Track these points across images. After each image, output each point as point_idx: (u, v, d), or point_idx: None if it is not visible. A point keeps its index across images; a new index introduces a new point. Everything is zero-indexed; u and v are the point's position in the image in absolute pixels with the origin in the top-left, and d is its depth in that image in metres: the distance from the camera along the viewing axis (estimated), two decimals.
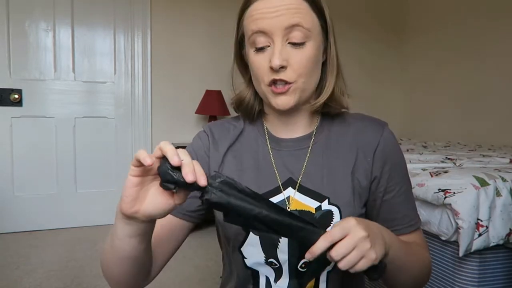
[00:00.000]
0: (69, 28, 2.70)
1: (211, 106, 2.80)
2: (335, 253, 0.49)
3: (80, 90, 2.76)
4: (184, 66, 3.02)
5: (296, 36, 0.61)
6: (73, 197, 2.77)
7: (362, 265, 0.49)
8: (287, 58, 0.62)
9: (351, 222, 0.51)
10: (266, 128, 0.74)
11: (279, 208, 0.50)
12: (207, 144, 0.74)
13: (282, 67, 0.62)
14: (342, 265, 0.49)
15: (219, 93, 2.85)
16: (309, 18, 0.62)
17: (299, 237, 0.51)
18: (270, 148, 0.72)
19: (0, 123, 2.59)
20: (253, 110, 0.74)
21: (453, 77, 3.15)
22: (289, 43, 0.62)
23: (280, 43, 0.61)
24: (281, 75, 0.62)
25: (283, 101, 0.64)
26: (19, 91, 2.60)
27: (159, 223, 0.66)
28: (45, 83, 2.67)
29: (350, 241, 0.49)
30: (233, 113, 2.74)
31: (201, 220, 0.73)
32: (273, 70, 0.62)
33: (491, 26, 2.82)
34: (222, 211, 0.49)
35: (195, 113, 2.88)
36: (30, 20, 2.61)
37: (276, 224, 0.49)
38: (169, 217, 0.68)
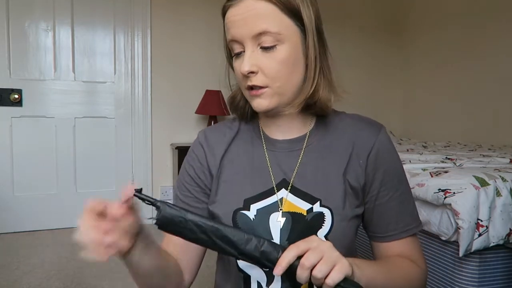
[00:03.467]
0: (69, 28, 2.70)
1: (211, 106, 2.81)
2: (306, 260, 0.48)
3: (80, 90, 2.76)
4: (184, 66, 3.02)
5: (266, 40, 0.61)
6: (73, 197, 2.77)
7: (338, 274, 0.48)
8: (257, 63, 0.62)
9: (315, 237, 0.52)
10: (262, 129, 0.74)
11: (236, 228, 0.52)
12: (202, 155, 0.74)
13: (252, 72, 0.62)
14: (316, 273, 0.48)
15: (219, 93, 2.85)
16: (277, 21, 0.61)
17: (260, 252, 0.50)
18: (265, 149, 0.72)
19: (0, 123, 2.59)
20: (245, 110, 0.74)
21: (453, 77, 3.15)
22: (261, 47, 0.62)
23: (250, 49, 0.62)
24: (253, 81, 0.63)
25: (259, 103, 0.65)
26: (19, 91, 2.60)
27: (174, 238, 0.69)
28: (45, 83, 2.67)
29: (317, 250, 0.49)
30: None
31: None
32: (244, 75, 0.63)
33: (491, 26, 2.82)
34: (176, 229, 0.50)
35: (195, 113, 2.88)
36: (30, 20, 2.61)
37: (237, 238, 0.50)
38: None
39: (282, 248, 0.50)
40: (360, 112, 0.76)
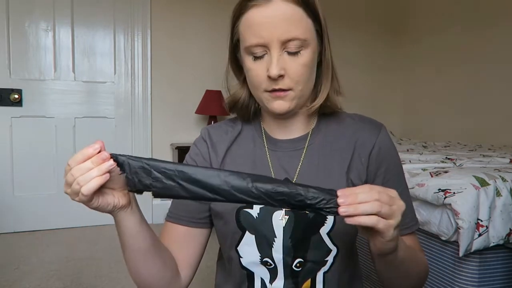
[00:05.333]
0: (69, 28, 2.70)
1: (211, 106, 2.81)
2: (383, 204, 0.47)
3: (80, 90, 2.76)
4: (184, 66, 3.02)
5: (293, 45, 0.61)
6: None
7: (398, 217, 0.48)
8: (284, 67, 0.62)
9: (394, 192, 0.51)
10: (263, 129, 0.74)
11: (201, 167, 0.50)
12: (205, 150, 0.74)
13: (280, 76, 0.62)
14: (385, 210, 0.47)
15: (219, 93, 2.85)
16: (305, 27, 0.61)
17: (228, 184, 0.48)
18: (267, 149, 0.72)
19: (0, 123, 2.59)
20: (248, 110, 0.74)
21: (453, 77, 3.15)
22: (285, 51, 0.62)
23: (277, 53, 0.61)
24: (280, 84, 0.63)
25: (280, 105, 0.64)
26: (19, 91, 2.60)
27: (171, 232, 0.72)
28: (45, 83, 2.67)
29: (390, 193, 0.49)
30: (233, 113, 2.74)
31: (213, 224, 0.75)
32: (271, 79, 0.62)
33: (491, 28, 2.82)
34: (144, 182, 0.49)
35: (195, 113, 2.88)
36: (30, 20, 2.61)
37: (201, 175, 0.49)
38: (178, 227, 0.72)
39: (248, 176, 0.49)
40: (360, 112, 0.77)
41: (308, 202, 0.48)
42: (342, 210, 0.46)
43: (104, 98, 2.83)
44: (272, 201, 0.48)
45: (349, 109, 0.77)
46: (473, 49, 2.96)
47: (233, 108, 0.76)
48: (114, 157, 0.50)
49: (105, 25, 2.80)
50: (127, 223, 0.58)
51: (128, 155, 0.50)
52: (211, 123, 2.87)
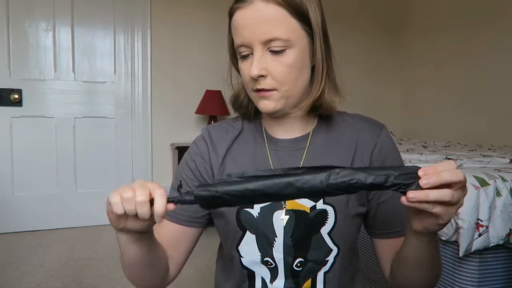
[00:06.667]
0: (69, 28, 2.70)
1: (211, 106, 2.81)
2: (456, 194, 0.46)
3: (80, 90, 2.76)
4: (184, 66, 3.02)
5: (276, 45, 0.61)
6: (73, 197, 2.77)
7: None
8: (266, 67, 0.62)
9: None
10: (264, 128, 0.74)
11: (268, 178, 0.49)
12: (205, 150, 0.74)
13: (262, 76, 0.62)
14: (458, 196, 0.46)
15: (219, 93, 2.85)
16: (287, 27, 0.61)
17: (303, 189, 0.47)
18: (268, 149, 0.72)
19: (0, 123, 2.59)
20: (249, 109, 0.75)
21: (452, 77, 3.15)
22: (269, 50, 0.62)
23: (259, 53, 0.62)
24: (262, 84, 0.63)
25: (266, 105, 0.65)
26: (19, 91, 2.60)
27: (166, 229, 0.72)
28: (45, 83, 2.67)
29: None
30: (233, 113, 2.74)
31: (209, 222, 0.75)
32: (253, 79, 0.63)
33: (490, 27, 2.82)
34: (215, 203, 0.49)
35: (195, 113, 2.88)
36: (30, 20, 2.61)
37: (274, 189, 0.48)
38: (174, 225, 0.72)
39: (322, 175, 0.47)
40: (360, 112, 0.77)
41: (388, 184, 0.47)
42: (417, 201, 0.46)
43: (104, 98, 2.83)
44: (347, 193, 0.48)
45: (348, 109, 0.77)
46: (472, 48, 2.97)
47: (235, 106, 0.76)
48: (180, 199, 0.50)
49: (105, 25, 2.80)
50: (137, 246, 0.59)
51: (195, 190, 0.49)
52: (211, 123, 2.88)
